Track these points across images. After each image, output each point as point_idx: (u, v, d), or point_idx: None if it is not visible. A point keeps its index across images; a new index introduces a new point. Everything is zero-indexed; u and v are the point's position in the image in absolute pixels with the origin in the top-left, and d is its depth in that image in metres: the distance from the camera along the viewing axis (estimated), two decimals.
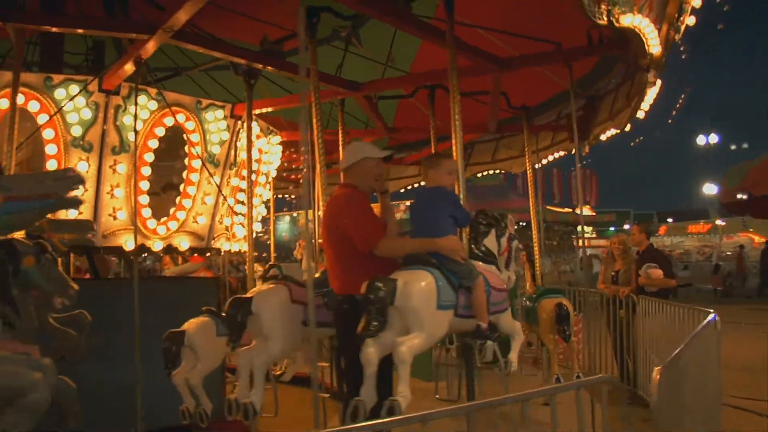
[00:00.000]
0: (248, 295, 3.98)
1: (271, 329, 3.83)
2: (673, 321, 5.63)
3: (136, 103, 5.24)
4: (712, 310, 4.61)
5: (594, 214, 35.10)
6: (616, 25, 4.74)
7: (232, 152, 6.35)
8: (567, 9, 5.18)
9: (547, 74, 7.11)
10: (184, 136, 5.99)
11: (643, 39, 5.33)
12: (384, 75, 7.57)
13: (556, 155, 9.72)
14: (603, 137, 8.93)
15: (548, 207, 28.07)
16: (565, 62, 6.24)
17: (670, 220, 53.31)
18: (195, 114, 5.97)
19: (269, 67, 5.88)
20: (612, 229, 44.53)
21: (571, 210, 30.92)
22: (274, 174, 7.94)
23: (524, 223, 8.65)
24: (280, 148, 7.69)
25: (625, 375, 6.83)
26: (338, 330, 3.75)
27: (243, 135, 6.31)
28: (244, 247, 6.78)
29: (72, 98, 5.44)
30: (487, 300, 3.57)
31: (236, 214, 6.75)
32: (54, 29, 5.49)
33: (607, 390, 2.99)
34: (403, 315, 3.07)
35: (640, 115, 7.84)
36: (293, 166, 10.34)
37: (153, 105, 5.83)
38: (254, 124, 6.32)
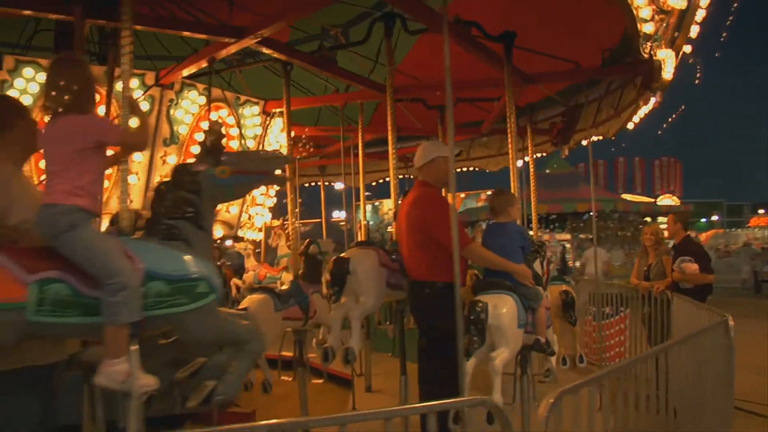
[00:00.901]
0: (344, 255, 4.35)
1: (365, 286, 4.18)
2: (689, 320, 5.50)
3: (208, 96, 5.77)
4: (727, 315, 4.25)
5: (677, 203, 33.32)
6: (654, 58, 5.70)
7: (261, 146, 7.01)
8: (581, 28, 5.88)
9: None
10: (223, 130, 6.49)
11: (663, 67, 6.11)
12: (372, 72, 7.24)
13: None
14: (584, 142, 8.87)
15: (624, 196, 27.05)
16: (584, 80, 6.86)
17: (761, 211, 48.65)
18: (234, 109, 6.71)
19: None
20: (703, 221, 42.31)
21: (650, 199, 30.04)
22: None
23: (594, 214, 8.92)
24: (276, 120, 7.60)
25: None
26: (418, 312, 4.12)
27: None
28: (259, 236, 7.44)
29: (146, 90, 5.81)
30: None
31: (257, 205, 7.50)
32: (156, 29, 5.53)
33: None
34: (492, 333, 3.61)
35: (630, 126, 8.47)
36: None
37: (202, 100, 6.36)
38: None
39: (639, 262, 6.94)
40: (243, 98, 6.79)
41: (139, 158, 6.17)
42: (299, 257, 5.44)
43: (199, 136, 6.42)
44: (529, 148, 8.37)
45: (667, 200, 34.24)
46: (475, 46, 5.67)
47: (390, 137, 5.63)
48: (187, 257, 2.56)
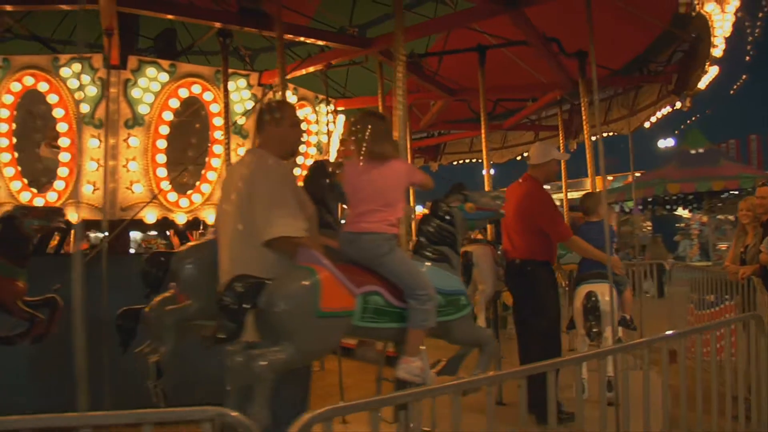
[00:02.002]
0: (466, 249, 4.86)
1: (486, 277, 5.21)
2: None
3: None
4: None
5: None
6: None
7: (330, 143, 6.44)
8: None
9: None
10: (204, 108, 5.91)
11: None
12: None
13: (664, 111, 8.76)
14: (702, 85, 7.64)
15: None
16: None
17: None
18: (214, 84, 5.79)
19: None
20: None
21: None
22: (336, 144, 7.54)
23: (735, 192, 7.99)
24: (339, 117, 7.53)
25: None
26: (519, 286, 4.73)
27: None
28: None
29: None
30: None
31: None
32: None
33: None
34: (603, 317, 4.65)
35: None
36: None
37: (164, 77, 5.64)
38: (288, 93, 6.25)
39: (735, 243, 5.78)
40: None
41: (95, 144, 5.60)
42: None
43: (168, 116, 5.75)
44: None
45: None
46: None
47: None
48: (453, 276, 3.21)
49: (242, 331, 2.61)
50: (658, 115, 8.75)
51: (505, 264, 4.92)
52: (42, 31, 7.37)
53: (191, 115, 5.98)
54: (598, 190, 6.14)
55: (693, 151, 18.10)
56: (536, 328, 4.56)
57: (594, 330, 4.64)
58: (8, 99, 5.44)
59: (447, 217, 3.27)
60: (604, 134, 10.02)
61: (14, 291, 4.08)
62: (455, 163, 12.94)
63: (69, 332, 2.35)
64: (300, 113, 6.63)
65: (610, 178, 27.44)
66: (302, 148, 6.92)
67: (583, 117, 6.68)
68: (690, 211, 19.05)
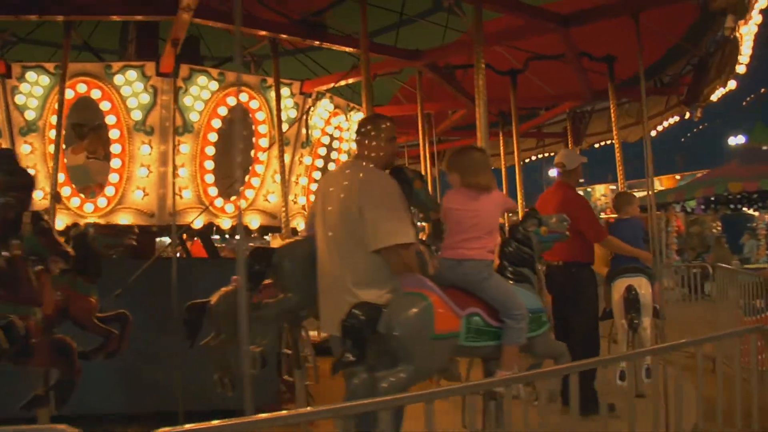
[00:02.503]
0: None
1: None
2: None
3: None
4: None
5: None
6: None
7: (303, 130, 6.40)
8: None
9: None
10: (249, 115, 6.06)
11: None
12: None
13: (671, 120, 9.10)
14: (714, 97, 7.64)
15: None
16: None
17: None
18: (260, 93, 5.97)
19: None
20: None
21: None
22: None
23: None
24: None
25: None
26: (563, 289, 4.85)
27: (317, 113, 6.51)
28: None
29: None
30: None
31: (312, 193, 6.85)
32: None
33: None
34: (642, 308, 4.93)
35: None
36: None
37: (214, 85, 5.80)
38: (326, 101, 6.50)
39: None
40: (270, 80, 6.13)
41: (146, 151, 5.72)
42: None
43: (216, 123, 5.92)
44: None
45: None
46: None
47: None
48: (535, 295, 3.42)
49: (366, 355, 2.84)
50: (665, 124, 9.10)
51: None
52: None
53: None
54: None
55: (759, 147, 17.47)
56: (579, 327, 4.84)
57: (635, 321, 4.95)
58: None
59: (525, 240, 3.51)
60: (610, 141, 10.33)
61: (89, 307, 4.16)
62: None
63: None
64: (334, 121, 6.88)
65: (678, 176, 27.71)
66: (333, 155, 7.12)
67: (613, 120, 6.88)
68: (756, 210, 17.97)
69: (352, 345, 2.83)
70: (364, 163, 3.20)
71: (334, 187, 3.19)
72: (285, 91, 6.16)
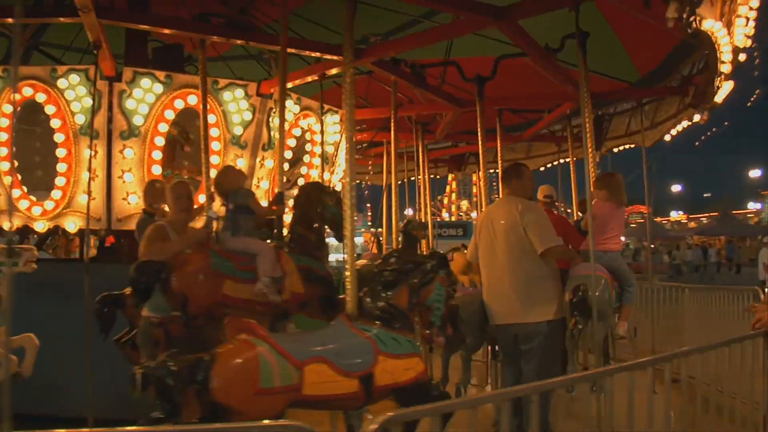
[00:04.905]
0: None
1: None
2: None
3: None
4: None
5: None
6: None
7: (264, 132, 6.15)
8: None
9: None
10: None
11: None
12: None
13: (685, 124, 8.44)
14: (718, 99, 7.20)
15: None
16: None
17: None
18: (212, 95, 5.76)
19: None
20: None
21: None
22: (343, 155, 7.22)
23: None
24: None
25: None
26: None
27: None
28: None
29: None
30: None
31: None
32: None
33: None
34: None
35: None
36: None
37: (159, 88, 5.65)
38: (290, 102, 6.25)
39: None
40: (223, 82, 5.99)
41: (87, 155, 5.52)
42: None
43: (163, 128, 5.79)
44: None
45: None
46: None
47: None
48: None
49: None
50: (678, 128, 8.45)
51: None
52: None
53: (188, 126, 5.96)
54: None
55: None
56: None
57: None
58: (7, 108, 5.53)
59: None
60: (623, 147, 9.91)
61: None
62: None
63: None
64: (303, 123, 6.62)
65: None
66: (306, 158, 6.88)
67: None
68: None
69: (580, 313, 4.22)
70: (517, 197, 4.42)
71: (497, 217, 4.40)
72: (239, 92, 5.96)
